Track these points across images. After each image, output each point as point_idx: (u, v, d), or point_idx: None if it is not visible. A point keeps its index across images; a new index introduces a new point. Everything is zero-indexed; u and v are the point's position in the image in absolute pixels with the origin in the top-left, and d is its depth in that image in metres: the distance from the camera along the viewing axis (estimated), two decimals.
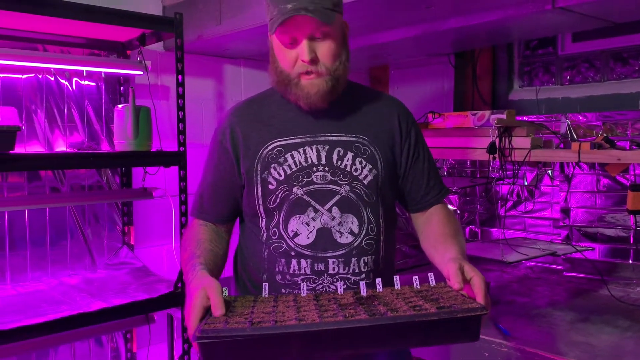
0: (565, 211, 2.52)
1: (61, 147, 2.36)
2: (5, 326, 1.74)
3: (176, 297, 2.13)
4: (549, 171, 2.62)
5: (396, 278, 1.17)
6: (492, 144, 2.20)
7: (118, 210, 2.54)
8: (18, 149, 1.98)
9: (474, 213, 2.93)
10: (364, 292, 1.13)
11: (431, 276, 1.17)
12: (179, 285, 2.15)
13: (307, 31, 1.22)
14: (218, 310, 1.04)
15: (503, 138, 2.21)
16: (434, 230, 1.35)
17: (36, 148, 2.29)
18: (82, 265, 2.43)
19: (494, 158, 2.21)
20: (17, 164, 1.89)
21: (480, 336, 1.71)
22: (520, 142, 2.19)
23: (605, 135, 2.14)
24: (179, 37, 2.20)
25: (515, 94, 2.91)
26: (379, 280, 1.17)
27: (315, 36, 1.24)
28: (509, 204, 2.78)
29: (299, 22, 1.20)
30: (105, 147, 2.46)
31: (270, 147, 1.32)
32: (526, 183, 2.71)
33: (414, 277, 1.17)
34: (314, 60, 1.24)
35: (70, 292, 2.15)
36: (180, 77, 2.21)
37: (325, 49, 1.25)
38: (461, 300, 1.05)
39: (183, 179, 2.23)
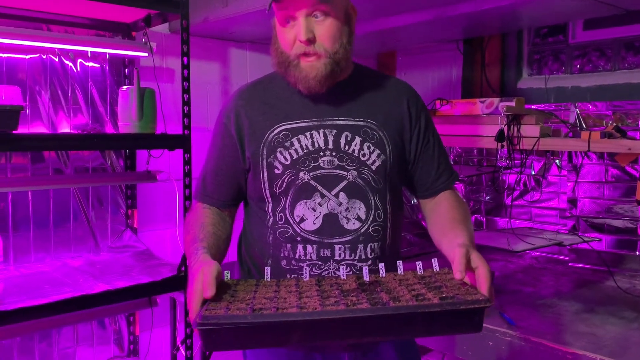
0: (573, 201, 2.50)
1: (65, 129, 2.34)
2: (8, 306, 1.74)
3: (179, 281, 2.12)
4: (557, 161, 2.60)
5: (399, 263, 1.16)
6: (501, 132, 2.17)
7: (122, 193, 2.53)
8: (22, 130, 1.96)
9: (480, 202, 2.91)
10: (366, 277, 1.12)
11: (435, 261, 1.15)
12: (182, 268, 2.14)
13: (302, 8, 1.19)
14: (207, 291, 1.01)
15: (511, 126, 2.19)
16: (442, 215, 1.32)
17: (40, 129, 2.27)
18: (85, 247, 2.43)
19: (502, 146, 2.18)
20: (20, 144, 1.88)
21: (485, 325, 1.72)
22: (529, 130, 2.16)
23: (615, 124, 2.11)
24: (184, 18, 2.17)
25: (524, 82, 2.87)
26: (381, 265, 1.16)
27: (314, 16, 1.20)
28: (516, 193, 2.76)
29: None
30: (109, 129, 2.44)
31: (276, 131, 1.29)
32: (533, 172, 2.69)
33: (417, 263, 1.15)
34: (311, 41, 1.20)
35: (73, 274, 2.14)
36: (185, 59, 2.18)
37: (324, 29, 1.21)
38: (465, 291, 1.03)
39: (187, 162, 2.22)
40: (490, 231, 2.77)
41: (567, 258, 2.53)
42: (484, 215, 2.90)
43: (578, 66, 2.68)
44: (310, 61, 1.22)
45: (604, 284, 2.25)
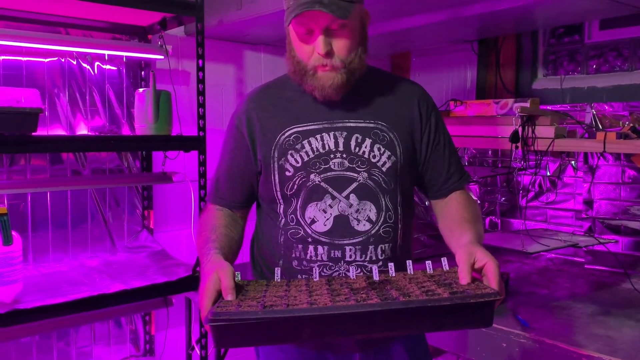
0: (589, 203, 2.47)
1: (83, 131, 2.38)
2: (27, 305, 1.78)
3: (194, 281, 2.14)
4: (572, 162, 2.57)
5: (409, 263, 1.16)
6: (515, 133, 2.16)
7: (138, 194, 2.57)
8: (40, 132, 2.00)
9: (494, 203, 2.89)
10: (376, 276, 1.12)
11: (444, 260, 1.15)
12: (198, 269, 2.16)
13: (322, 24, 1.20)
14: (228, 294, 1.04)
15: (526, 127, 2.17)
16: (452, 214, 1.33)
17: (58, 131, 2.31)
18: (102, 247, 2.46)
19: (517, 147, 2.17)
20: (39, 146, 1.92)
21: (499, 326, 1.71)
22: (544, 131, 2.15)
23: (632, 125, 2.09)
24: (199, 21, 2.19)
25: (539, 83, 2.85)
26: (391, 265, 1.16)
27: (332, 28, 1.22)
28: (531, 194, 2.73)
29: (315, 15, 1.18)
30: (126, 131, 2.48)
31: (287, 134, 1.31)
32: (549, 174, 2.67)
33: (427, 262, 1.15)
34: (330, 53, 1.23)
35: (91, 273, 2.18)
36: (200, 61, 2.21)
37: (341, 42, 1.23)
38: (475, 286, 1.03)
39: (202, 163, 2.24)
40: (504, 232, 2.76)
41: (582, 260, 2.50)
42: (498, 217, 2.88)
43: (594, 66, 2.65)
44: (326, 70, 1.24)
45: (620, 286, 2.22)
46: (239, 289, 1.08)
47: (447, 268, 1.15)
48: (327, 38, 1.21)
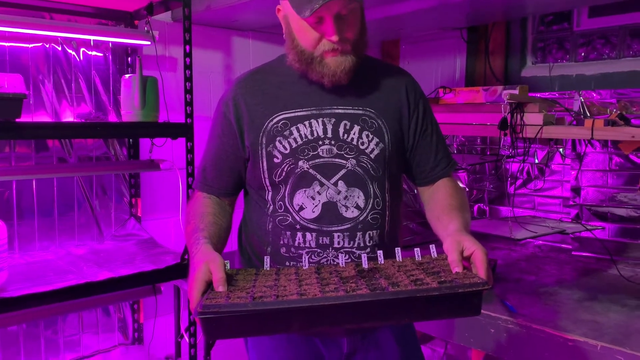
0: (576, 190, 2.49)
1: (69, 118, 2.35)
2: (13, 293, 1.76)
3: (183, 269, 2.14)
4: (561, 149, 2.59)
5: (397, 250, 1.17)
6: (504, 120, 2.16)
7: (125, 182, 2.54)
8: (25, 119, 1.97)
9: (483, 191, 2.91)
10: (365, 264, 1.12)
11: (432, 248, 1.15)
12: (186, 257, 2.15)
13: (334, 10, 1.19)
14: (220, 286, 1.04)
15: (515, 114, 2.17)
16: (439, 201, 1.33)
17: (43, 118, 2.28)
18: (89, 235, 2.44)
19: (505, 134, 2.17)
20: (23, 132, 1.88)
21: (487, 312, 1.73)
22: (533, 118, 2.15)
23: (619, 112, 2.10)
24: (187, 6, 2.17)
25: (528, 71, 2.85)
26: (380, 252, 1.16)
27: (342, 13, 1.21)
28: (519, 182, 2.75)
29: (329, 2, 1.17)
30: (112, 118, 2.45)
31: (275, 120, 1.29)
32: (537, 161, 2.68)
33: (415, 249, 1.15)
34: (342, 39, 1.22)
35: (78, 262, 2.16)
36: (187, 47, 2.18)
37: (350, 26, 1.23)
38: (463, 275, 1.03)
39: (190, 151, 2.22)
40: (492, 219, 2.77)
41: (570, 247, 2.53)
42: (487, 204, 2.89)
43: (583, 54, 2.65)
44: (335, 55, 1.23)
45: (607, 272, 2.24)
46: (228, 278, 1.08)
47: (435, 255, 1.15)
48: (339, 24, 1.21)
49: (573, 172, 2.50)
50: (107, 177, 2.48)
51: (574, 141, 2.49)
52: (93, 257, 2.24)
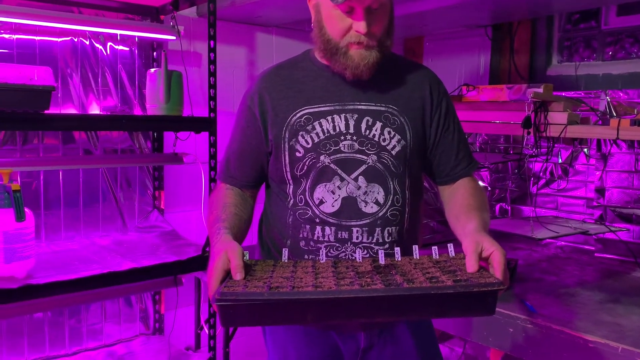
0: (600, 191, 2.46)
1: (95, 111, 2.39)
2: (40, 280, 1.81)
3: (204, 261, 2.16)
4: (585, 149, 2.55)
5: (415, 247, 1.17)
6: (527, 119, 2.14)
7: (149, 174, 2.58)
8: (53, 111, 2.01)
9: (505, 190, 2.88)
10: (382, 260, 1.13)
11: (450, 247, 1.15)
12: (207, 249, 2.18)
13: (366, 3, 1.20)
14: (237, 274, 1.06)
15: (539, 113, 2.15)
16: (458, 201, 1.33)
17: (71, 111, 2.33)
18: (113, 227, 2.49)
19: (529, 133, 2.15)
20: (51, 124, 1.93)
21: (506, 312, 1.72)
22: (557, 117, 2.13)
23: None
24: (211, 2, 2.19)
25: (553, 69, 2.82)
26: (397, 249, 1.17)
27: (373, 7, 1.21)
28: (542, 181, 2.72)
29: None
30: (137, 112, 2.49)
31: (298, 115, 1.31)
32: (560, 161, 2.65)
33: (433, 248, 1.16)
34: (370, 33, 1.23)
35: (102, 252, 2.20)
36: (212, 42, 2.20)
37: (379, 20, 1.23)
38: (479, 274, 1.03)
39: (213, 145, 2.25)
40: (514, 219, 2.75)
41: (593, 248, 2.49)
42: (509, 204, 2.87)
43: (610, 53, 2.61)
44: (360, 48, 1.24)
45: (630, 275, 2.21)
46: (247, 268, 1.09)
47: (453, 254, 1.15)
48: (369, 17, 1.21)
49: (597, 173, 2.47)
50: (132, 170, 2.52)
51: (599, 141, 2.45)
52: (117, 247, 2.28)
